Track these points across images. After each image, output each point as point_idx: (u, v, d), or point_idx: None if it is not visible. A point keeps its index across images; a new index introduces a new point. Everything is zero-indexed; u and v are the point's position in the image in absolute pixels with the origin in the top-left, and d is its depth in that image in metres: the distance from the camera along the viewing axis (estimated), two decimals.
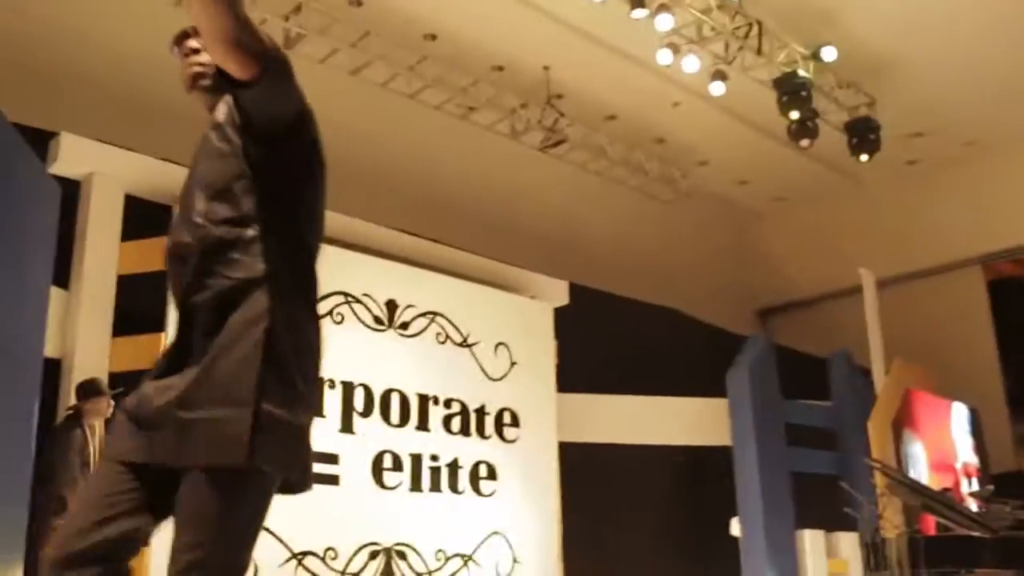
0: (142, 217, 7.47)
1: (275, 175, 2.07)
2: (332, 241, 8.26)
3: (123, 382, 6.46)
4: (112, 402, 5.99)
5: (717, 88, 9.38)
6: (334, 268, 8.25)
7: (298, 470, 2.04)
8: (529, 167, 10.46)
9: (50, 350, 6.68)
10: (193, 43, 2.19)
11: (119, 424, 2.10)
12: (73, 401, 6.11)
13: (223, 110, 2.12)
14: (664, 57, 8.94)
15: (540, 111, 9.82)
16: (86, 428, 5.85)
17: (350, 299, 8.32)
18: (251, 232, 2.02)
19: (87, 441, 5.84)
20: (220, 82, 2.12)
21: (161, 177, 7.63)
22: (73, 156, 7.22)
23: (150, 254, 7.36)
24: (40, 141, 6.94)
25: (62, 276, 6.96)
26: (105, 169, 7.35)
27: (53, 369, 6.73)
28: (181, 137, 8.08)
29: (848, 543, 9.84)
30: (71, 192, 7.07)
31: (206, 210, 2.05)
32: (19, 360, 6.23)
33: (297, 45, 8.35)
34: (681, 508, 10.67)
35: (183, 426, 1.93)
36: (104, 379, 6.40)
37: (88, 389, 5.98)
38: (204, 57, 2.16)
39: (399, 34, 8.73)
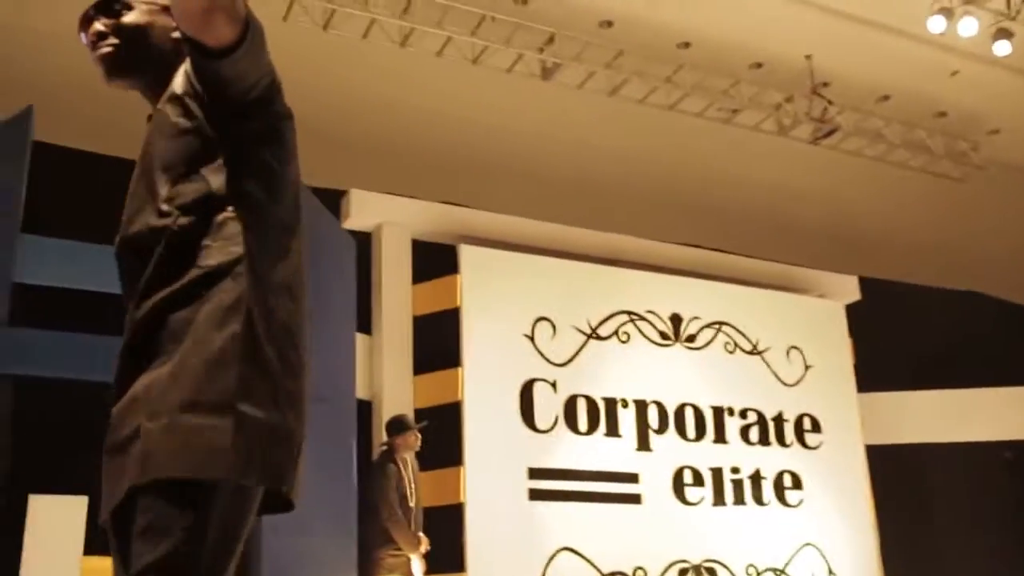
0: (428, 259, 7.87)
1: (244, 150, 1.82)
2: (610, 261, 8.34)
3: (428, 417, 6.82)
4: (419, 435, 6.29)
5: (1002, 48, 8.60)
6: (614, 288, 8.31)
7: (288, 481, 1.71)
8: (802, 162, 10.05)
9: (360, 392, 7.16)
10: (98, 26, 1.90)
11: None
12: (385, 438, 6.47)
13: (180, 80, 1.83)
14: (936, 24, 8.32)
15: (807, 103, 9.41)
16: (399, 462, 6.17)
17: (634, 317, 8.33)
18: (222, 215, 1.76)
19: (401, 475, 6.16)
20: (160, 53, 1.87)
21: (443, 219, 8.03)
22: (363, 210, 7.75)
23: (440, 294, 7.76)
24: (330, 199, 7.49)
25: (364, 322, 7.45)
26: (393, 218, 7.83)
27: (364, 410, 7.20)
28: (456, 181, 8.41)
29: None
30: (363, 243, 7.58)
31: (171, 195, 1.78)
32: (335, 405, 6.72)
33: (555, 75, 8.52)
34: (1015, 509, 9.78)
35: (147, 437, 1.63)
36: (410, 415, 6.75)
37: (396, 425, 6.32)
38: (112, 39, 1.89)
39: (652, 47, 8.68)
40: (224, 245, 1.75)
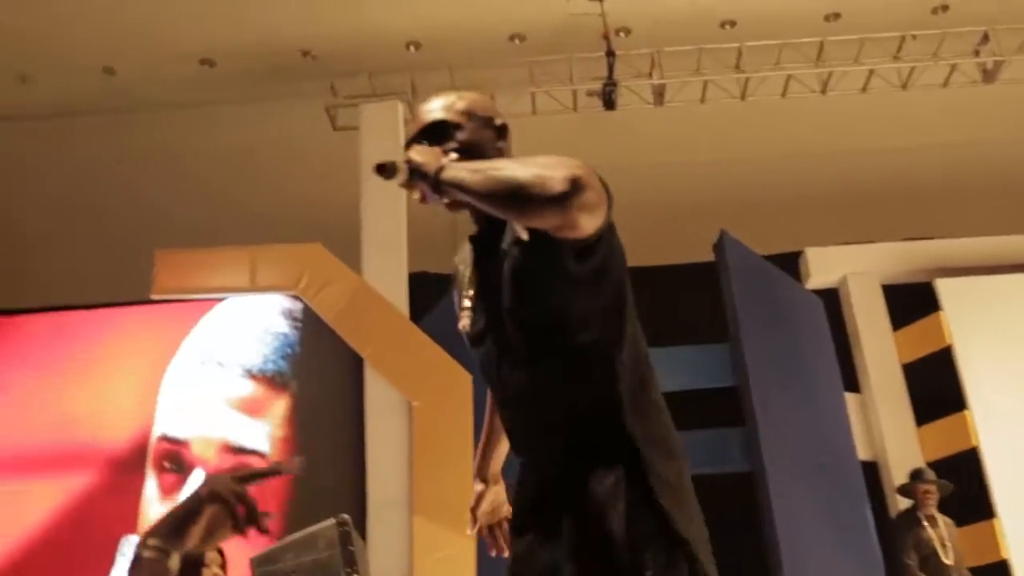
0: (903, 302, 7.37)
1: (588, 287, 1.68)
2: None
3: (942, 468, 6.25)
4: (931, 491, 5.75)
5: None
6: None
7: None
8: None
9: (862, 453, 6.78)
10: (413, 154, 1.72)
11: None
12: (900, 497, 6.04)
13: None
14: None
15: None
16: (923, 518, 5.70)
17: None
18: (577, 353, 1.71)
19: (924, 531, 5.68)
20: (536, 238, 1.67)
21: (909, 257, 7.53)
22: (823, 266, 7.50)
23: (925, 336, 7.21)
24: (786, 263, 7.34)
25: (849, 381, 7.10)
26: (856, 268, 7.49)
27: (870, 471, 6.79)
28: (911, 214, 7.85)
29: None
30: (830, 300, 7.30)
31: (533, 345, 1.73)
32: (839, 469, 6.43)
33: (997, 75, 7.75)
34: None
35: None
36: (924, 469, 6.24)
37: (914, 478, 5.87)
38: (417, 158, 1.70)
39: None
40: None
